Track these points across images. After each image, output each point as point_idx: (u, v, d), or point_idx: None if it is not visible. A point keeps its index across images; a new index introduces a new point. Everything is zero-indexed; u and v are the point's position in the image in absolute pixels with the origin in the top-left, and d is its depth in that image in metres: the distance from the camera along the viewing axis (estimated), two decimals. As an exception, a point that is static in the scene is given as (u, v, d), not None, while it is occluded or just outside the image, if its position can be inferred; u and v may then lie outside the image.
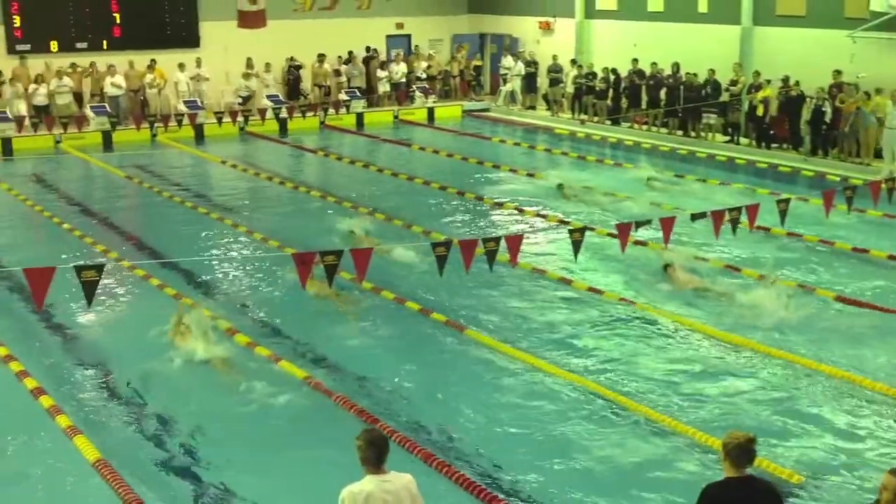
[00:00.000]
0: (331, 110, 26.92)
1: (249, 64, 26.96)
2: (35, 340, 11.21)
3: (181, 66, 26.06)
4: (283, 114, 26.22)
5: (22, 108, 24.11)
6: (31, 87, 24.43)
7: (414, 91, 28.92)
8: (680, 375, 10.10)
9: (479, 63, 30.42)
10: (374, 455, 5.46)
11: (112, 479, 7.78)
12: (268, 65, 27.18)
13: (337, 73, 28.39)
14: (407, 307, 12.08)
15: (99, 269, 9.03)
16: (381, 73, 28.74)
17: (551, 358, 10.52)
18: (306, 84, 28.26)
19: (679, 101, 23.77)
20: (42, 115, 24.13)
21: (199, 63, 26.41)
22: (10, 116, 23.70)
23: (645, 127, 24.99)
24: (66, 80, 24.72)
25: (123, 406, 9.50)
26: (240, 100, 26.67)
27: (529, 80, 28.59)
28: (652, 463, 8.34)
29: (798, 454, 8.40)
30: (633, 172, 20.10)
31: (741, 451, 5.30)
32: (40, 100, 24.43)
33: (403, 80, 29.03)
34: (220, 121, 25.10)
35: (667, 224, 11.75)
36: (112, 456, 8.22)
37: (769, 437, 8.53)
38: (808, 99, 21.12)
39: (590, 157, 22.17)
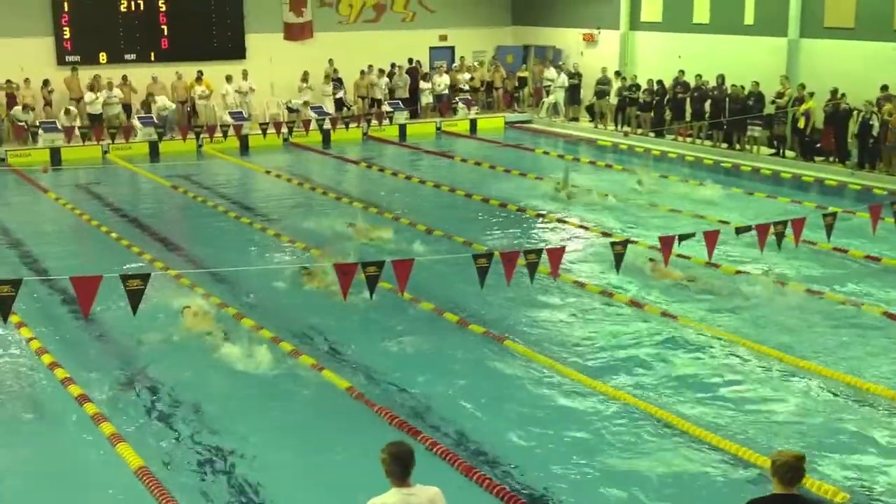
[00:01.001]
0: (374, 121, 27.09)
1: (305, 77, 27.33)
2: (80, 347, 11.37)
3: (228, 79, 26.41)
4: (327, 125, 26.43)
5: (74, 116, 24.58)
6: (88, 95, 24.90)
7: (457, 103, 29.01)
8: (721, 389, 9.99)
9: (523, 74, 30.38)
10: (399, 469, 5.43)
11: (153, 487, 7.87)
12: (306, 72, 27.34)
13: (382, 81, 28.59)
14: (445, 318, 12.09)
15: (144, 278, 9.14)
16: (423, 85, 28.87)
17: (591, 371, 10.45)
18: (350, 95, 28.46)
19: (724, 114, 23.58)
20: (95, 123, 24.59)
21: (245, 75, 26.72)
22: (60, 126, 24.19)
23: (689, 139, 24.82)
24: (117, 91, 25.17)
25: (167, 414, 9.60)
26: (288, 110, 26.98)
27: (573, 92, 28.54)
28: (695, 478, 8.24)
29: (843, 473, 8.26)
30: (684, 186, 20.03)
31: (790, 470, 5.31)
32: (94, 108, 24.91)
33: (446, 91, 29.13)
34: (264, 132, 25.36)
35: (710, 238, 11.64)
36: (154, 464, 8.32)
37: (814, 453, 8.39)
38: (855, 112, 20.84)
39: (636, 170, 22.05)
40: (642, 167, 21.75)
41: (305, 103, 26.93)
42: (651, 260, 13.57)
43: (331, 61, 27.91)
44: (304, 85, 27.25)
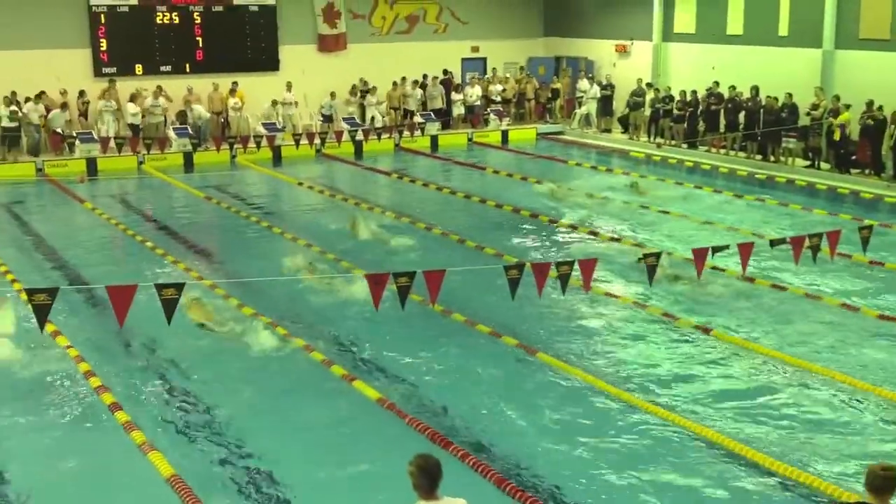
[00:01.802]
0: (406, 133, 27.18)
1: (353, 90, 27.74)
2: (114, 356, 11.48)
3: (273, 103, 26.79)
4: (359, 136, 26.56)
5: (111, 124, 24.87)
6: (129, 105, 25.20)
7: (488, 114, 29.03)
8: (758, 403, 9.90)
9: (557, 86, 30.32)
10: (427, 482, 5.41)
11: (186, 496, 7.92)
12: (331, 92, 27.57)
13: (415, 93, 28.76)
14: (478, 329, 12.08)
15: (179, 287, 9.21)
16: (455, 97, 28.94)
17: (625, 384, 10.39)
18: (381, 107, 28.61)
19: (758, 125, 23.41)
20: (134, 133, 24.89)
21: (289, 87, 26.95)
22: (96, 137, 24.50)
23: (723, 151, 24.66)
24: (162, 100, 25.51)
25: (198, 423, 9.65)
26: (321, 118, 27.19)
27: (605, 103, 28.47)
28: (736, 495, 8.16)
29: None
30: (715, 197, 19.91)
31: (884, 482, 5.41)
32: (133, 119, 25.21)
33: (478, 102, 29.17)
34: (297, 143, 25.53)
35: (745, 250, 11.55)
36: (185, 472, 8.36)
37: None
38: (891, 124, 20.60)
39: (668, 181, 21.96)
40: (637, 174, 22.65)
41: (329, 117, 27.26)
42: (641, 259, 13.41)
43: (361, 79, 28.15)
44: (353, 99, 27.76)
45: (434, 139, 27.69)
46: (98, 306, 12.97)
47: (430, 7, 30.47)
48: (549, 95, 30.32)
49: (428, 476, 5.39)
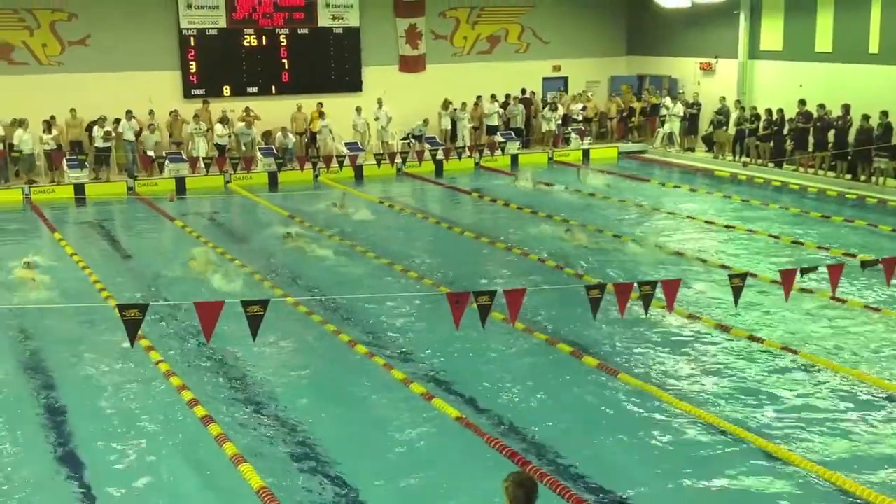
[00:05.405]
0: (486, 152, 27.25)
1: (445, 104, 28.20)
2: (202, 371, 11.72)
3: (358, 110, 27.23)
4: (440, 155, 26.73)
5: (202, 146, 25.56)
6: (217, 126, 25.89)
7: (569, 133, 28.93)
8: (853, 427, 9.61)
9: (656, 101, 29.85)
10: (524, 497, 5.36)
11: (272, 506, 8.04)
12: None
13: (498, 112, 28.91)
14: (559, 349, 12.00)
15: (263, 304, 9.34)
16: (548, 114, 28.92)
17: (707, 405, 10.19)
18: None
19: (848, 145, 22.82)
20: (220, 153, 25.58)
21: (380, 104, 27.33)
22: (185, 157, 25.20)
23: (811, 170, 24.10)
24: (254, 130, 26.33)
25: (284, 438, 9.78)
26: (414, 138, 27.50)
27: (690, 122, 28.12)
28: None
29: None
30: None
31: None
32: (220, 139, 25.88)
33: (559, 121, 29.11)
34: (379, 162, 25.81)
35: (834, 271, 11.24)
36: (276, 486, 8.47)
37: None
38: None
39: (754, 201, 21.55)
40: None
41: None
42: (568, 230, 17.17)
43: (446, 99, 28.40)
44: (444, 112, 28.25)
45: (514, 158, 27.72)
46: (186, 321, 13.27)
47: (512, 27, 30.56)
48: (630, 114, 30.07)
49: (525, 492, 5.27)
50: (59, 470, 9.17)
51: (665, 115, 28.70)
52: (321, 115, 26.95)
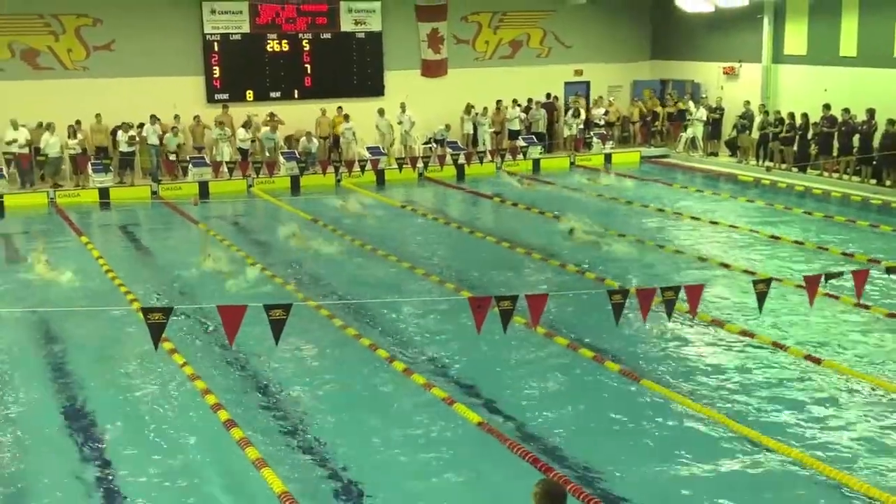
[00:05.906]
0: (507, 156, 27.24)
1: (468, 108, 28.36)
2: (225, 375, 11.77)
3: (381, 112, 27.33)
4: (462, 159, 26.74)
5: (226, 151, 25.70)
6: (240, 131, 26.04)
7: (591, 137, 28.87)
8: (876, 437, 9.53)
9: (682, 106, 29.44)
10: None
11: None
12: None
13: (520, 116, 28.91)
14: (581, 354, 11.97)
15: (286, 308, 9.37)
16: (570, 119, 28.87)
17: (730, 412, 10.13)
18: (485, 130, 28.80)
19: (873, 149, 22.64)
20: (243, 157, 25.73)
21: (403, 108, 27.39)
22: (209, 161, 25.36)
23: (836, 175, 23.92)
24: (278, 134, 26.43)
25: (306, 445, 9.81)
26: (433, 143, 27.54)
27: (714, 126, 27.98)
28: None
29: None
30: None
31: None
32: (243, 144, 26.01)
33: (581, 126, 29.07)
34: (400, 167, 25.83)
35: (859, 277, 11.15)
36: (296, 491, 8.49)
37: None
38: None
39: (778, 206, 21.42)
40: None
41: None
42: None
43: (468, 104, 28.46)
44: (467, 116, 28.43)
45: (536, 162, 27.70)
46: (210, 325, 13.34)
47: (534, 32, 30.54)
48: (653, 118, 29.97)
49: (551, 500, 5.26)
50: (85, 470, 9.25)
51: (689, 120, 28.58)
52: (346, 118, 27.04)
